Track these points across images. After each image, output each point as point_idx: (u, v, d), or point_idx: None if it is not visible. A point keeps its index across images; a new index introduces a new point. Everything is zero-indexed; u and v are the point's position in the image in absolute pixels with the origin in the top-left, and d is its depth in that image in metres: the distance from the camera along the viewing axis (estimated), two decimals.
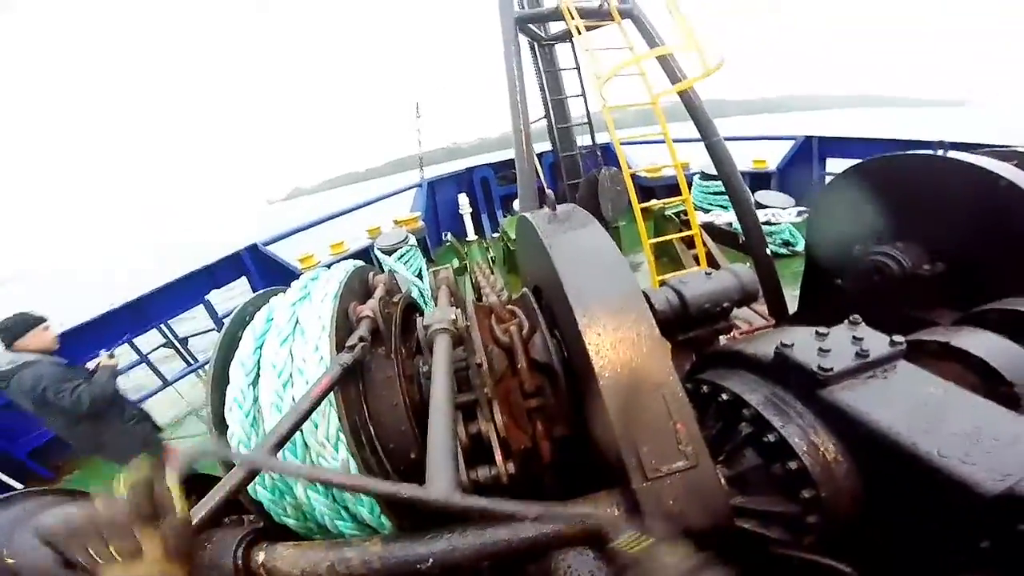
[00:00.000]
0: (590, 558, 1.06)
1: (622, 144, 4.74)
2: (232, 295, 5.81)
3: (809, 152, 8.02)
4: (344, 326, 1.30)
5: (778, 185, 7.93)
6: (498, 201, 11.23)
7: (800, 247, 6.50)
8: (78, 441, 4.00)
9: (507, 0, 4.95)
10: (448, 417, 0.99)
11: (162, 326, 6.39)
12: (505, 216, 10.33)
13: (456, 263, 7.96)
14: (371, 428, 1.22)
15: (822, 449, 1.06)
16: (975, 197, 1.68)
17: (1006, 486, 0.82)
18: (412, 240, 6.67)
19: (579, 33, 4.71)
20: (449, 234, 8.80)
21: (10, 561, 0.98)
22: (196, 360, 6.63)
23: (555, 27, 6.63)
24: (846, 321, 1.22)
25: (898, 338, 1.14)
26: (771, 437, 1.09)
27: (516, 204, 7.42)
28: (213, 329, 6.98)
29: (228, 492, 0.90)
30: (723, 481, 1.10)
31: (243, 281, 7.43)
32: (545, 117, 7.25)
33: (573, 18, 4.76)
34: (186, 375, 6.27)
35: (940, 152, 1.85)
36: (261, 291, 1.63)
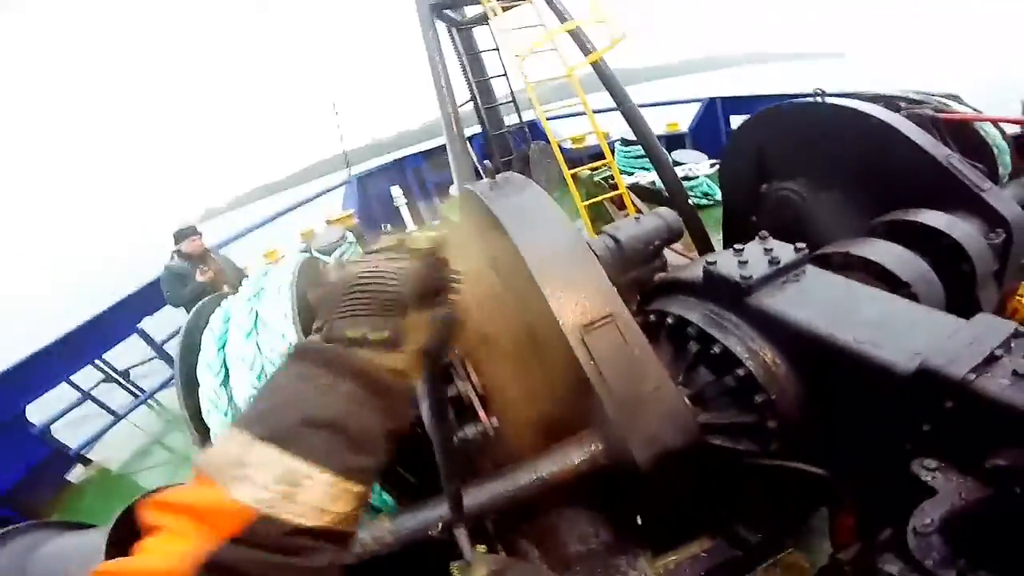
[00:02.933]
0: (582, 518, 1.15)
1: (548, 119, 4.87)
2: (167, 318, 5.53)
3: (715, 112, 8.56)
4: (307, 316, 1.31)
5: (691, 144, 8.42)
6: (432, 189, 11.09)
7: (719, 196, 6.95)
8: None
9: None
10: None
11: (98, 361, 5.90)
12: (442, 203, 10.23)
13: None
14: None
15: (761, 354, 1.18)
16: (852, 134, 1.93)
17: (917, 363, 0.90)
18: (351, 237, 6.47)
19: (495, 14, 4.75)
20: (388, 227, 8.62)
21: None
22: (143, 391, 6.18)
23: (471, 11, 6.59)
24: (756, 237, 1.37)
25: (800, 245, 1.30)
26: (716, 349, 1.21)
27: (452, 189, 7.38)
28: (154, 357, 6.48)
29: None
30: (686, 401, 1.20)
31: None
32: (471, 100, 7.22)
33: (488, 0, 4.78)
34: (136, 407, 5.83)
35: (819, 99, 2.09)
36: (209, 297, 1.58)
